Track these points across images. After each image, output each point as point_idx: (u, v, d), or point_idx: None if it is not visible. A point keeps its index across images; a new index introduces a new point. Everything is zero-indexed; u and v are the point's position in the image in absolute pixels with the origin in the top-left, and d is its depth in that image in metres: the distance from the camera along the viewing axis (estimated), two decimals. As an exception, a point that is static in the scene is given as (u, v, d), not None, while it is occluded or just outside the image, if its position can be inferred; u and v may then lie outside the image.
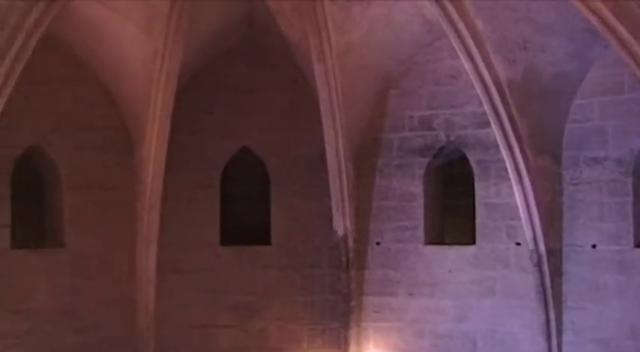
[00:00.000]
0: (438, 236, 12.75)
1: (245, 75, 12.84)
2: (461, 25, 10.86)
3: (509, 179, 11.52)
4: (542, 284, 11.54)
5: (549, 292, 11.53)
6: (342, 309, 12.54)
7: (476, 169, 12.24)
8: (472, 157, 12.25)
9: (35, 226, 12.14)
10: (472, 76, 11.14)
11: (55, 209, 12.12)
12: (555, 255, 11.58)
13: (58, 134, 11.93)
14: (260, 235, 12.93)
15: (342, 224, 12.40)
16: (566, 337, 11.55)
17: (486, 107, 11.24)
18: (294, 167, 12.89)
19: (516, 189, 11.44)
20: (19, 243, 11.70)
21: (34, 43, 10.32)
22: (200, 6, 11.39)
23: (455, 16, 10.80)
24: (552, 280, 11.52)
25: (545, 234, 11.44)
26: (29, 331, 11.54)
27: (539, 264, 11.51)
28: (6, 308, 11.43)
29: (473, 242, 12.26)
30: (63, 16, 10.78)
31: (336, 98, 11.94)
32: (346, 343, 12.51)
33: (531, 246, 11.52)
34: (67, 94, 11.96)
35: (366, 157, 12.65)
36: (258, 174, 13.05)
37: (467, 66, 11.10)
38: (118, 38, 11.55)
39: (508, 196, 11.79)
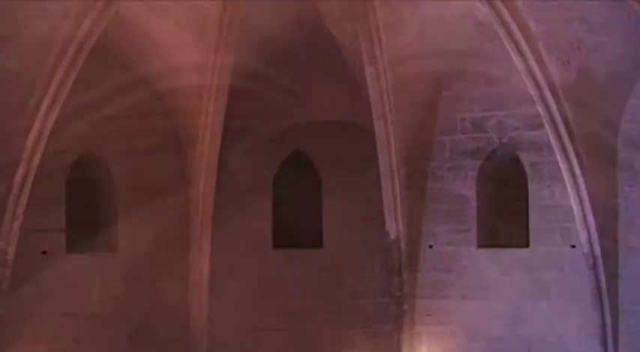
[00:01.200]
0: (491, 239, 12.60)
1: (297, 78, 12.80)
2: (513, 26, 10.79)
3: (563, 181, 11.41)
4: (598, 287, 11.39)
5: (605, 296, 11.38)
6: (395, 313, 12.49)
7: (529, 171, 12.11)
8: (525, 159, 12.12)
9: (89, 230, 12.26)
10: (525, 78, 11.04)
11: (108, 213, 12.23)
12: (611, 257, 11.43)
13: (112, 139, 12.07)
14: (312, 238, 12.93)
15: (394, 227, 12.34)
16: (623, 341, 11.39)
17: (540, 109, 11.13)
18: (346, 170, 12.85)
19: (571, 191, 11.31)
20: (73, 247, 11.84)
21: (87, 51, 10.47)
22: (251, 11, 11.45)
23: (507, 17, 10.73)
24: (608, 283, 11.38)
25: (601, 237, 11.31)
26: (84, 334, 11.68)
27: (594, 267, 11.36)
28: (61, 311, 11.58)
29: (526, 245, 12.12)
30: (115, 23, 10.93)
31: (388, 100, 11.90)
32: (399, 346, 12.45)
33: (586, 249, 11.38)
34: (120, 100, 12.05)
35: (418, 160, 12.57)
36: (310, 177, 13.06)
37: (520, 67, 11.01)
38: (170, 44, 11.65)
39: (562, 198, 11.66)
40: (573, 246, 11.72)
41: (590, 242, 11.35)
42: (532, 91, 11.03)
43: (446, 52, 12.10)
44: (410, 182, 12.49)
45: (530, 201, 12.13)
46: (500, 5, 10.68)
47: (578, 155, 11.16)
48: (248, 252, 12.72)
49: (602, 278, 11.38)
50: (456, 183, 12.53)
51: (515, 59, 10.92)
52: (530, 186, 12.11)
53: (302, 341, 12.75)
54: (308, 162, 12.96)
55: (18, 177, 10.64)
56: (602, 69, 10.99)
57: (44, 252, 11.52)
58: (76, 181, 11.99)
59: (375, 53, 11.54)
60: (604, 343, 11.41)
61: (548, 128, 11.12)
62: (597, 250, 11.34)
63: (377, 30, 11.41)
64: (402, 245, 12.39)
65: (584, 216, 11.31)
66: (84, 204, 12.19)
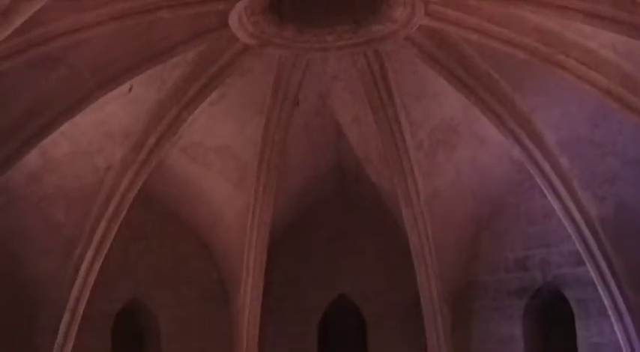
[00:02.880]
0: (541, 379, 12.38)
1: (338, 222, 13.03)
2: (546, 165, 10.88)
3: (610, 317, 11.20)
4: None
5: None
6: None
7: (575, 308, 11.92)
8: (571, 296, 11.94)
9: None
10: (561, 215, 11.05)
11: (154, 362, 12.34)
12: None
13: (158, 288, 12.28)
14: (359, 383, 12.82)
15: (441, 371, 12.21)
16: None
17: (578, 245, 11.06)
18: (390, 313, 12.84)
19: (617, 327, 11.07)
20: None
21: (129, 203, 10.85)
22: (289, 160, 11.76)
23: (538, 156, 10.84)
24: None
25: (652, 371, 11.01)
26: None
27: (649, 399, 11.02)
28: None
29: (578, 383, 11.86)
30: (158, 174, 11.35)
31: (427, 242, 11.95)
32: None
33: (638, 385, 11.07)
34: (165, 249, 12.37)
35: (462, 300, 12.49)
36: (354, 322, 13.02)
37: (555, 205, 11.04)
38: (212, 194, 11.99)
39: (610, 335, 11.39)
40: (626, 386, 11.43)
41: (641, 377, 11.06)
42: (569, 228, 11.00)
43: (484, 192, 12.21)
44: (455, 323, 12.38)
45: (579, 339, 11.88)
46: (531, 146, 10.81)
47: (621, 291, 10.96)
48: (295, 398, 12.65)
49: (658, 410, 11.01)
50: (503, 323, 12.35)
51: (550, 197, 10.98)
52: (578, 324, 11.88)
53: None
54: (352, 306, 12.97)
55: (63, 326, 10.89)
56: (640, 201, 10.98)
57: (90, 402, 11.59)
58: (122, 330, 12.16)
59: (411, 195, 11.68)
60: None
61: (588, 264, 11.01)
62: (649, 381, 11.03)
63: (412, 173, 11.59)
64: (450, 388, 12.24)
65: (634, 353, 11.07)
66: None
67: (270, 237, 12.19)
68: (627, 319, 11.06)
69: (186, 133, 11.08)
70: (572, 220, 11.01)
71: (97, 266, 10.95)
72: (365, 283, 12.91)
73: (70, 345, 10.92)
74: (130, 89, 10.19)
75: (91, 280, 10.97)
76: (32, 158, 10.28)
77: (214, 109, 10.96)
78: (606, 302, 11.11)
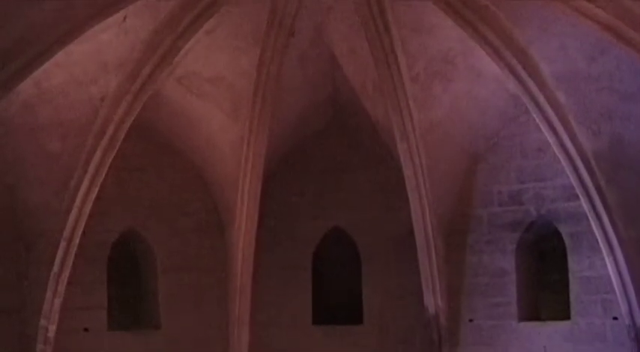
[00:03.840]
0: (532, 312, 12.45)
1: (333, 155, 13.05)
2: (541, 99, 10.88)
3: (602, 251, 11.29)
4: (641, 359, 11.18)
5: (650, 366, 11.16)
6: (437, 388, 12.41)
7: (568, 242, 12.01)
8: (564, 230, 12.03)
9: (131, 308, 12.46)
10: (556, 149, 11.07)
11: (150, 291, 12.42)
12: (654, 328, 11.24)
13: (153, 218, 12.33)
14: (352, 314, 12.92)
15: (432, 301, 12.27)
16: (670, 414, 11.11)
17: (572, 179, 11.11)
18: (384, 245, 12.91)
19: (608, 261, 11.18)
20: (115, 325, 12.02)
21: (124, 133, 10.85)
22: (284, 91, 11.71)
23: (534, 90, 10.83)
24: (650, 354, 11.18)
25: (642, 308, 11.15)
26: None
27: (636, 339, 11.13)
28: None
29: (568, 317, 11.95)
30: (154, 105, 11.34)
31: (421, 175, 11.96)
32: None
33: (627, 321, 11.17)
34: (161, 180, 12.39)
35: (456, 233, 12.56)
36: (349, 253, 13.12)
37: (550, 139, 11.06)
38: (207, 124, 11.97)
39: (602, 269, 11.50)
40: (615, 318, 11.52)
41: (631, 313, 11.14)
42: (564, 162, 11.03)
43: (479, 126, 12.21)
44: (448, 256, 12.48)
45: (571, 273, 11.99)
46: (527, 79, 10.80)
47: (614, 225, 11.05)
48: (288, 328, 12.73)
49: (645, 351, 11.19)
50: (495, 256, 12.45)
51: (546, 131, 10.99)
52: (570, 258, 11.99)
53: None
54: (347, 238, 13.06)
55: (59, 256, 10.97)
56: (636, 137, 10.93)
57: (86, 330, 11.69)
58: (118, 259, 12.26)
59: (407, 128, 11.66)
60: None
61: (582, 199, 11.08)
62: (639, 321, 11.15)
63: (407, 106, 11.54)
64: (442, 319, 12.31)
65: (624, 287, 11.13)
66: (125, 282, 12.46)
67: (265, 169, 12.22)
68: (618, 253, 11.15)
69: (181, 63, 11.01)
70: (567, 154, 11.04)
71: (93, 196, 10.98)
72: (359, 215, 12.95)
73: (66, 275, 11.00)
74: (125, 18, 10.13)
75: (87, 210, 11.02)
76: (26, 89, 10.24)
77: (209, 39, 10.89)
78: (598, 236, 11.19)
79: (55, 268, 10.92)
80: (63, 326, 11.13)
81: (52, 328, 11.00)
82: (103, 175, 10.98)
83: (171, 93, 11.54)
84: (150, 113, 11.44)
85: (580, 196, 11.14)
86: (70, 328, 11.37)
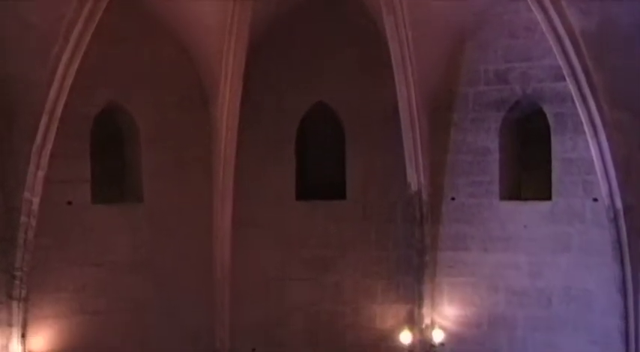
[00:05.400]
0: (513, 191, 12.58)
1: (319, 29, 12.82)
2: (532, -24, 10.66)
3: (585, 133, 11.28)
4: (619, 240, 11.27)
5: (626, 248, 11.26)
6: (417, 264, 12.56)
7: (552, 123, 12.02)
8: (549, 111, 12.03)
9: (114, 182, 12.47)
10: (545, 28, 10.89)
11: (133, 165, 12.43)
12: (632, 210, 11.28)
13: (137, 91, 12.21)
14: (335, 189, 13.00)
15: (415, 178, 12.35)
16: (644, 294, 11.36)
17: (560, 59, 10.98)
18: (369, 121, 12.88)
19: (592, 143, 11.18)
20: (99, 198, 12.05)
21: (105, 3, 10.57)
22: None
23: (526, -33, 10.61)
24: (629, 236, 11.24)
25: (622, 189, 11.16)
26: (110, 283, 11.95)
27: (615, 220, 11.25)
28: (88, 261, 11.85)
29: (549, 197, 12.08)
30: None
31: (408, 51, 11.84)
32: (420, 297, 12.54)
33: (607, 202, 11.25)
34: (144, 53, 12.21)
35: (440, 111, 12.54)
36: (333, 129, 13.09)
37: (539, 17, 10.86)
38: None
39: (585, 150, 11.56)
40: (595, 199, 11.63)
41: (610, 195, 11.21)
42: (552, 42, 10.88)
43: (468, 1, 11.98)
44: (432, 134, 12.47)
45: (553, 154, 12.05)
46: (518, -44, 10.60)
47: (599, 106, 10.99)
48: (271, 203, 12.84)
49: (624, 232, 11.24)
50: (479, 135, 12.48)
51: (535, 9, 10.78)
52: (554, 139, 12.02)
53: (324, 291, 12.91)
54: (331, 113, 13.00)
55: (41, 129, 10.87)
56: (626, 19, 10.75)
57: (69, 203, 11.74)
58: (102, 133, 12.19)
59: (394, 2, 11.44)
60: (624, 295, 11.32)
61: (568, 79, 10.97)
62: (618, 203, 11.20)
63: (395, -22, 11.34)
64: (424, 196, 12.42)
65: (605, 169, 11.17)
66: (109, 156, 12.42)
67: (250, 43, 12.05)
68: (602, 135, 11.13)
69: None
70: (555, 34, 10.86)
71: (74, 68, 10.79)
72: (344, 91, 12.86)
73: (48, 147, 10.93)
74: None
75: (68, 82, 10.85)
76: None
77: None
78: (583, 117, 11.15)
79: (38, 141, 10.85)
80: (47, 199, 11.15)
81: (36, 201, 11.01)
82: (84, 47, 10.78)
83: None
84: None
85: (566, 77, 11.04)
86: (53, 201, 11.43)
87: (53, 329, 11.50)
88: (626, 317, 11.33)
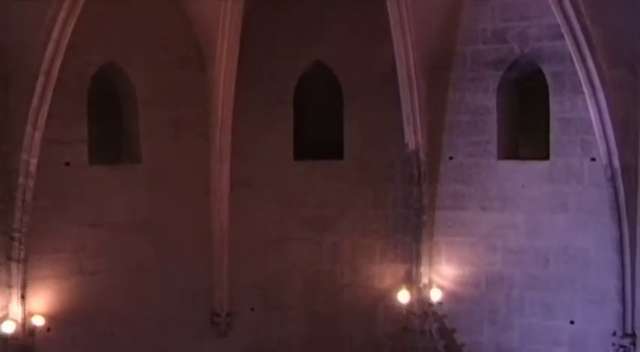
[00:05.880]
0: (511, 150, 12.58)
1: (316, -11, 12.77)
2: None
3: (584, 92, 11.26)
4: (616, 200, 11.32)
5: (623, 208, 11.32)
6: (414, 223, 12.59)
7: (550, 82, 11.98)
8: (547, 70, 11.99)
9: (112, 142, 12.44)
10: (543, -15, 10.86)
11: (131, 125, 12.36)
12: (630, 170, 11.32)
13: (133, 52, 12.09)
14: (333, 149, 12.99)
15: (413, 138, 12.34)
16: (640, 253, 11.41)
17: (558, 17, 10.93)
18: (367, 81, 12.83)
19: (590, 102, 11.17)
20: (96, 159, 12.01)
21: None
22: None
23: None
24: (627, 196, 11.30)
25: (620, 149, 11.19)
26: (108, 244, 11.95)
27: (613, 180, 11.28)
28: (87, 222, 11.83)
29: (547, 157, 12.08)
30: None
31: (406, 10, 11.76)
32: (418, 257, 12.59)
33: (605, 161, 11.28)
34: (142, 13, 12.05)
35: (438, 70, 12.50)
36: (331, 89, 13.03)
37: (537, -25, 10.84)
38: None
39: (583, 110, 11.54)
40: (593, 159, 11.65)
41: (609, 154, 11.23)
42: (550, 0, 10.81)
43: (467, -41, 11.96)
44: (430, 93, 12.44)
45: (552, 113, 12.03)
46: None
47: (597, 65, 10.96)
48: (269, 163, 12.80)
49: (621, 191, 11.29)
50: (477, 94, 12.46)
51: (533, -34, 10.77)
52: (552, 98, 12.00)
53: (323, 251, 12.94)
54: (329, 73, 12.94)
55: (38, 89, 10.80)
56: (624, -25, 10.76)
57: (67, 164, 11.68)
58: (99, 93, 12.13)
59: (392, -40, 11.39)
60: (621, 254, 11.39)
61: (566, 37, 10.93)
62: (616, 162, 11.23)
63: None
64: (422, 156, 12.42)
65: (604, 128, 11.18)
66: (106, 117, 12.39)
67: (247, 3, 11.93)
68: (600, 94, 11.12)
69: None
70: (554, -9, 10.85)
71: (70, 29, 10.70)
72: (342, 51, 12.78)
73: (45, 108, 10.87)
74: None
75: (64, 42, 10.75)
76: None
77: None
78: (581, 76, 11.13)
79: (35, 102, 10.80)
80: (44, 160, 11.12)
81: (34, 162, 10.98)
82: (80, 7, 10.68)
83: None
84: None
85: (565, 35, 10.99)
86: (51, 162, 11.38)
87: (53, 289, 11.53)
88: (622, 276, 11.42)
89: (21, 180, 11.01)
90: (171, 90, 12.35)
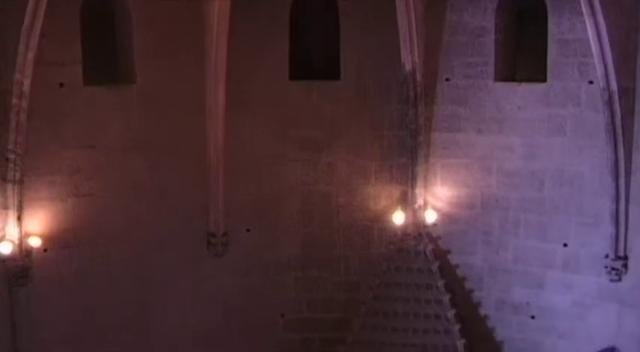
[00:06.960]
0: (508, 72, 12.47)
1: None
2: None
3: (583, 13, 11.10)
4: (613, 123, 11.30)
5: (619, 131, 11.30)
6: (410, 145, 12.55)
7: (549, 3, 11.81)
8: (546, -11, 11.85)
9: (106, 63, 12.27)
10: None
11: (125, 46, 12.21)
12: (628, 93, 11.28)
13: (127, -30, 11.93)
14: (329, 70, 12.86)
15: (409, 58, 12.19)
16: (635, 177, 11.39)
17: (558, -64, 10.76)
18: (363, 1, 12.64)
19: (589, 23, 11.03)
20: (91, 80, 11.90)
21: None
22: None
23: None
24: (623, 119, 11.28)
25: (618, 72, 11.11)
26: (104, 164, 11.95)
27: (609, 103, 11.23)
28: (82, 143, 11.82)
29: (544, 79, 12.00)
30: None
31: None
32: (413, 178, 12.60)
33: (602, 84, 11.21)
34: None
35: (436, -10, 12.35)
36: (327, 9, 12.83)
37: None
38: None
39: (582, 32, 11.42)
40: (591, 82, 11.58)
41: (606, 77, 11.16)
42: None
43: None
44: (427, 14, 12.25)
45: (550, 35, 11.90)
46: None
47: (596, -13, 10.84)
48: (265, 83, 12.69)
49: (618, 115, 11.26)
50: (475, 15, 12.29)
51: None
52: (550, 20, 11.85)
53: (318, 172, 12.95)
54: (325, -9, 12.76)
55: (29, 8, 10.63)
56: None
57: (61, 85, 11.61)
58: (93, 13, 11.94)
59: None
60: (616, 178, 11.43)
61: (566, -44, 10.81)
62: (614, 85, 11.17)
63: None
64: (418, 77, 12.29)
65: (602, 50, 11.08)
66: (100, 37, 12.20)
67: None
68: (599, 16, 10.97)
69: None
70: None
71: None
72: (339, -32, 12.62)
73: (37, 26, 10.70)
74: None
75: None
76: None
77: None
78: (581, -3, 11.01)
79: (27, 22, 10.62)
80: (38, 81, 11.04)
81: (27, 83, 10.90)
82: None
83: None
84: None
85: (565, -46, 10.86)
86: (45, 83, 11.31)
87: (49, 211, 11.59)
88: (616, 200, 11.48)
89: (15, 100, 10.94)
90: (166, 9, 12.13)
